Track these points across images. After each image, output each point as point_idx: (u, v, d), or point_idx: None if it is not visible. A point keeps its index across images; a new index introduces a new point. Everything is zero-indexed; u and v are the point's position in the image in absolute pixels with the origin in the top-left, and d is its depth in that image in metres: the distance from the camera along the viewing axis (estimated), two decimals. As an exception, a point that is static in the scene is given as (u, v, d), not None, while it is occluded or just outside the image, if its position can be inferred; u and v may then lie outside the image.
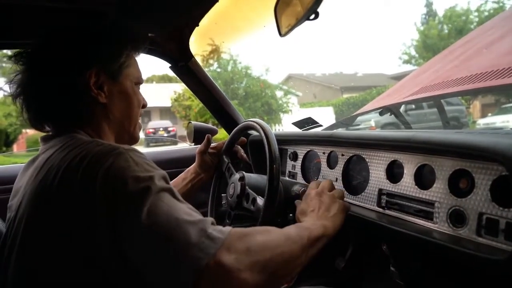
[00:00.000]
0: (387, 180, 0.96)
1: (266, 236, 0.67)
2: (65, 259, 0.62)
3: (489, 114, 13.85)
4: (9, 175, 1.37)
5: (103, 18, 1.07)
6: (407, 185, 0.90)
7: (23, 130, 13.36)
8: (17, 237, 0.66)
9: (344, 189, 1.11)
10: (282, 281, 0.68)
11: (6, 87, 0.83)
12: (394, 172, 0.95)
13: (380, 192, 0.97)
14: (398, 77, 19.59)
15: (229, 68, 16.25)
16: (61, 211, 0.63)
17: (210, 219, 0.63)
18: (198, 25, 1.28)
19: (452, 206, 0.77)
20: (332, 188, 0.94)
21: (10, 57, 0.80)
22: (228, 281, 0.57)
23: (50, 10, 1.02)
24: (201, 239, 0.58)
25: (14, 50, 0.82)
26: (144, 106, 0.93)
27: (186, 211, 0.62)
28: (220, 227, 0.62)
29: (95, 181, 0.61)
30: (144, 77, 0.92)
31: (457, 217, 0.75)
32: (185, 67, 1.52)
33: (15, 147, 13.67)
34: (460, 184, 0.76)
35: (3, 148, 12.37)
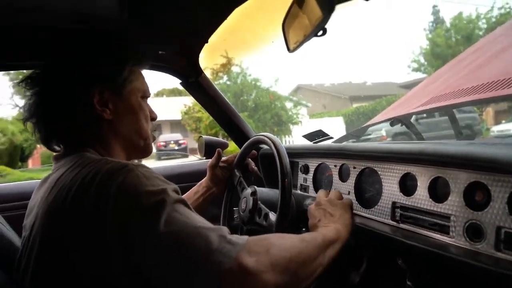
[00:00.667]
0: (401, 193, 0.94)
1: (282, 239, 0.69)
2: (78, 277, 0.62)
3: (503, 121, 13.60)
4: (25, 191, 1.39)
5: (112, 37, 1.10)
6: (421, 198, 0.88)
7: (38, 146, 13.62)
8: (31, 257, 0.67)
9: (357, 202, 1.10)
10: (304, 283, 0.69)
11: (21, 103, 0.86)
12: (407, 185, 0.94)
13: (394, 205, 0.96)
14: (407, 86, 19.50)
15: (239, 80, 16.38)
16: (73, 229, 0.63)
17: (225, 227, 0.64)
18: (207, 42, 1.30)
19: (468, 219, 0.75)
20: (327, 194, 0.99)
21: (18, 83, 0.83)
22: (251, 283, 0.58)
23: (61, 31, 1.04)
24: (221, 244, 0.59)
25: (23, 73, 0.84)
26: (154, 119, 0.94)
27: (202, 221, 0.64)
28: (236, 235, 0.63)
29: (107, 199, 0.61)
30: (154, 91, 0.95)
31: (474, 231, 0.74)
32: (195, 83, 1.54)
33: (30, 162, 13.92)
34: (476, 197, 0.75)
35: (19, 163, 12.61)
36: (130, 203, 0.61)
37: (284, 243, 0.68)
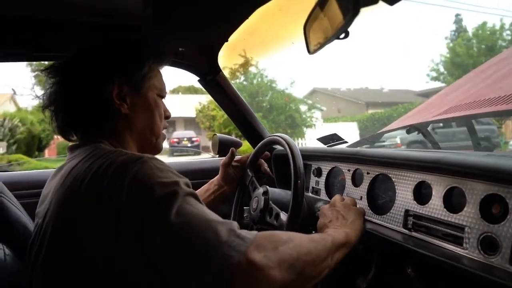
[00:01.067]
0: (414, 201, 0.93)
1: (291, 237, 0.69)
2: (89, 266, 0.63)
3: (523, 135, 13.25)
4: (41, 179, 1.43)
5: (137, 33, 1.12)
6: (435, 207, 0.87)
7: (55, 136, 13.92)
8: (43, 245, 0.68)
9: (369, 207, 1.09)
10: (310, 282, 0.69)
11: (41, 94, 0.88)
12: (422, 193, 0.93)
13: (407, 213, 0.95)
14: (425, 94, 19.20)
15: (255, 81, 16.40)
16: (86, 218, 0.64)
17: (235, 222, 0.64)
18: (227, 41, 1.31)
19: (483, 232, 0.74)
20: (342, 199, 0.99)
21: (42, 71, 0.85)
22: (258, 278, 0.58)
23: (87, 25, 1.07)
24: (231, 238, 0.59)
25: (45, 64, 0.87)
26: (168, 117, 0.95)
27: (212, 214, 0.64)
28: (245, 230, 0.63)
29: (121, 190, 0.62)
30: (170, 87, 0.96)
31: (488, 244, 0.72)
32: (213, 81, 1.55)
33: (46, 152, 14.23)
34: (492, 210, 0.73)
35: (36, 152, 12.89)
36: (143, 194, 0.62)
37: (293, 241, 0.68)
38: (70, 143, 0.85)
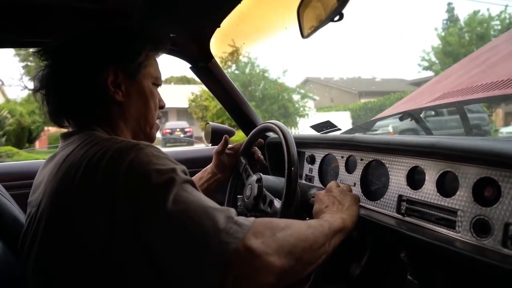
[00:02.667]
0: (408, 186, 0.93)
1: (289, 224, 0.69)
2: (85, 254, 0.62)
3: (512, 123, 13.46)
4: (31, 170, 1.41)
5: (128, 19, 1.09)
6: (428, 192, 0.87)
7: (45, 128, 13.75)
8: (37, 235, 0.67)
9: (362, 194, 1.10)
10: (308, 268, 0.69)
11: (31, 86, 0.86)
12: (415, 179, 0.93)
13: (400, 198, 0.95)
14: (417, 83, 19.27)
15: (247, 70, 16.30)
16: (82, 206, 0.63)
17: (232, 209, 0.64)
18: (219, 26, 1.28)
19: (476, 215, 0.74)
20: (338, 185, 1.00)
21: (34, 53, 0.82)
22: (256, 264, 0.58)
23: (77, 10, 1.04)
24: (228, 225, 0.59)
25: (31, 58, 0.84)
26: (162, 107, 0.94)
27: (209, 201, 0.64)
28: (243, 217, 0.63)
29: (117, 177, 0.61)
30: (162, 77, 0.93)
31: (481, 227, 0.73)
32: (205, 68, 1.53)
33: (37, 143, 14.05)
34: (485, 193, 0.74)
35: (26, 144, 12.72)
36: (139, 181, 0.61)
37: (291, 228, 0.68)
38: (62, 132, 0.83)
